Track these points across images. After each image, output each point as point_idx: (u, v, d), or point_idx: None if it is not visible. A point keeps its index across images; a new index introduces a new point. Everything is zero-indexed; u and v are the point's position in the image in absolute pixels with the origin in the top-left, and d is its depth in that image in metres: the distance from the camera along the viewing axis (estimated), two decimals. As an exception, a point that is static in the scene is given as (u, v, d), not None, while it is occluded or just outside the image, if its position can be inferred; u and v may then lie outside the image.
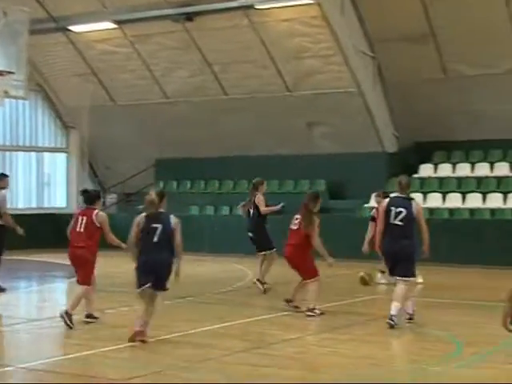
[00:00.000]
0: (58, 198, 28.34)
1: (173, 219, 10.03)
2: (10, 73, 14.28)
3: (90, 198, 11.39)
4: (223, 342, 10.06)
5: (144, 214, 9.99)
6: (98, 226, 11.15)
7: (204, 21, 22.97)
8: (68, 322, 10.85)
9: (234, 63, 23.69)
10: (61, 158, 28.34)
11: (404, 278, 10.95)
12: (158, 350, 9.73)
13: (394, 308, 10.82)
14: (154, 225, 9.90)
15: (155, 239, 9.85)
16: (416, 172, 23.13)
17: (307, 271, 12.26)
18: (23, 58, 14.81)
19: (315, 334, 10.89)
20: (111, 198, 27.80)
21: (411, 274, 11.02)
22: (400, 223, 10.97)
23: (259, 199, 15.43)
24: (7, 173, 26.06)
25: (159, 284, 9.90)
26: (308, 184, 24.13)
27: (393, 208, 11.10)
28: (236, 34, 22.75)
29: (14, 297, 15.56)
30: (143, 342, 9.76)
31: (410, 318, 11.12)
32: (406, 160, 23.42)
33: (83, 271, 11.35)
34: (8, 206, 15.18)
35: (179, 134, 25.66)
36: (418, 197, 22.23)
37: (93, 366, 9.01)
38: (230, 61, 23.68)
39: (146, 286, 9.82)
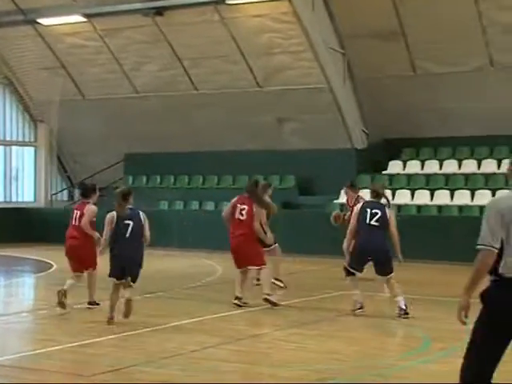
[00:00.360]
0: (26, 192, 28.12)
1: (142, 215, 10.75)
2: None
3: (85, 192, 11.99)
4: (192, 338, 10.06)
5: (115, 213, 10.62)
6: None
7: (174, 15, 22.93)
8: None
9: (204, 58, 23.66)
10: (29, 151, 28.14)
11: (388, 276, 11.52)
12: (126, 345, 9.71)
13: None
14: (126, 222, 10.53)
15: (127, 235, 10.54)
16: (385, 169, 23.26)
17: (259, 259, 12.37)
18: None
19: (283, 330, 10.90)
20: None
21: (392, 269, 11.56)
22: (376, 223, 11.47)
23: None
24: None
25: (132, 276, 10.66)
26: (278, 180, 24.15)
27: (368, 209, 11.57)
28: (206, 28, 22.71)
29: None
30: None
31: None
32: (375, 156, 23.57)
33: (81, 261, 11.78)
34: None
35: (149, 129, 25.58)
36: (388, 194, 22.41)
37: (59, 361, 8.96)
38: (200, 56, 23.65)
39: (122, 280, 10.64)
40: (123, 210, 10.57)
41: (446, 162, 22.84)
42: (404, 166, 23.31)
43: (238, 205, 12.40)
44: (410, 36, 21.56)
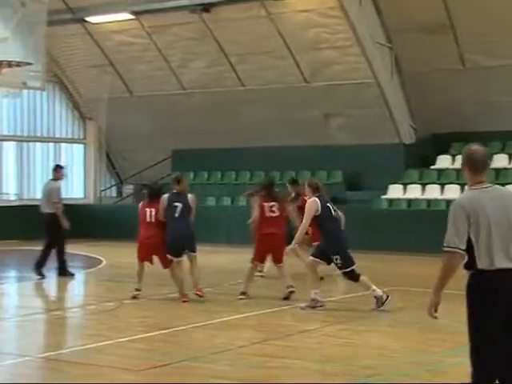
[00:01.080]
0: (76, 188, 28.41)
1: (190, 198, 12.46)
2: (27, 64, 14.31)
3: (153, 193, 12.69)
4: (240, 333, 10.08)
5: (166, 196, 12.35)
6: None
7: (221, 11, 22.95)
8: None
9: (251, 54, 23.66)
10: (78, 148, 28.44)
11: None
12: (175, 340, 9.77)
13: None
14: (175, 203, 12.21)
15: (176, 215, 12.19)
16: (433, 163, 23.04)
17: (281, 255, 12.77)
18: (41, 49, 14.85)
19: (332, 325, 10.88)
20: (128, 189, 27.87)
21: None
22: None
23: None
24: (24, 163, 26.48)
25: (191, 248, 12.40)
26: (325, 175, 24.08)
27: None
28: (253, 24, 22.71)
29: (35, 287, 15.65)
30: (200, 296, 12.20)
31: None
32: (423, 151, 23.36)
33: (161, 257, 12.44)
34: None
35: (196, 125, 25.67)
36: (435, 188, 22.24)
37: (109, 356, 9.04)
38: (246, 52, 23.66)
39: (180, 258, 12.42)
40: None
41: (495, 157, 22.52)
42: (453, 161, 23.00)
43: (265, 203, 12.41)
44: (459, 29, 21.29)
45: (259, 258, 12.93)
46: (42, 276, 15.29)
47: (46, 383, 7.99)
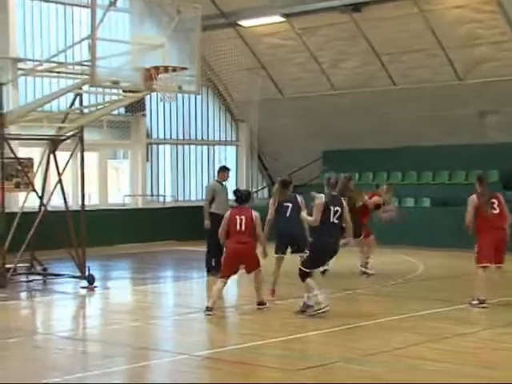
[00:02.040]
0: (229, 190, 28.81)
1: (299, 198, 12.99)
2: (183, 68, 14.63)
3: (244, 198, 12.14)
4: (395, 336, 9.99)
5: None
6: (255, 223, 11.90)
7: (372, 11, 22.80)
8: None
9: (403, 53, 23.39)
10: (231, 150, 28.90)
11: None
12: (329, 341, 9.79)
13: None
14: (286, 204, 12.89)
15: (287, 215, 12.88)
16: None
17: None
18: (196, 54, 15.14)
19: (491, 329, 10.61)
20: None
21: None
22: (337, 221, 11.46)
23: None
24: (179, 166, 27.18)
25: (299, 247, 12.60)
26: (480, 175, 23.43)
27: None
28: (404, 22, 22.44)
29: (188, 286, 16.05)
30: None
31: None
32: None
33: (252, 263, 11.94)
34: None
35: (346, 126, 25.60)
36: None
37: (263, 355, 9.15)
38: (398, 50, 23.41)
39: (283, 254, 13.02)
40: (284, 196, 12.93)
41: None
42: None
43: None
44: None
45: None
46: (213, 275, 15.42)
47: (203, 383, 8.18)
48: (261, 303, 12.08)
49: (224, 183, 17.00)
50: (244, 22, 24.94)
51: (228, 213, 12.08)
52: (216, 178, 17.59)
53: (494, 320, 11.29)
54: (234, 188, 13.58)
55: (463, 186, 22.60)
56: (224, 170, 17.24)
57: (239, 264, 11.99)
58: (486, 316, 11.66)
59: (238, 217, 11.81)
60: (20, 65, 21.48)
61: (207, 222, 16.21)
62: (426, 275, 16.58)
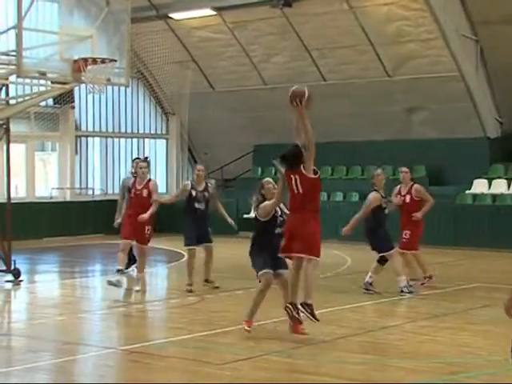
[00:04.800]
0: (159, 183, 28.64)
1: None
2: (112, 61, 14.52)
3: None
4: (321, 328, 10.05)
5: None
6: None
7: (302, 6, 22.94)
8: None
9: (333, 48, 23.59)
10: (161, 144, 28.77)
11: None
12: (257, 335, 9.79)
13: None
14: None
15: None
16: (520, 158, 22.63)
17: None
18: (126, 46, 15.05)
19: (414, 322, 10.79)
20: (210, 184, 28.01)
21: None
22: None
23: None
24: (109, 159, 26.91)
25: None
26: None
27: None
28: (334, 18, 22.63)
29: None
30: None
31: None
32: (509, 145, 22.90)
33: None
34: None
35: (277, 120, 25.65)
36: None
37: (190, 349, 9.15)
38: (328, 46, 23.60)
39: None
40: None
41: None
42: (542, 156, 22.53)
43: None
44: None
45: None
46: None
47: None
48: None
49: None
50: (175, 15, 24.84)
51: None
52: (132, 170, 16.27)
53: (416, 313, 11.45)
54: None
55: (392, 180, 22.85)
56: (142, 160, 16.33)
57: None
58: (409, 309, 11.83)
59: None
60: None
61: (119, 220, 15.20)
62: (353, 269, 16.71)
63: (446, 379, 7.70)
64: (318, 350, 8.95)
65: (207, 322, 10.68)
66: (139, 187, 13.30)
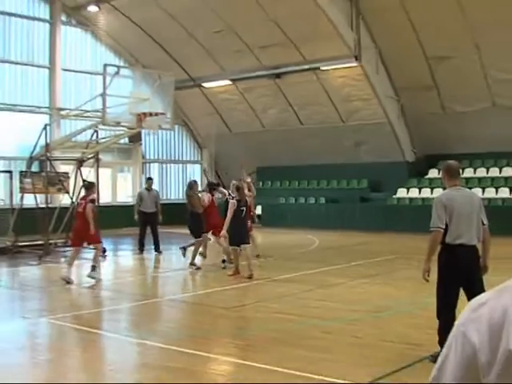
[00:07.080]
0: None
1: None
2: (162, 114, 14.69)
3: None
4: (295, 286, 10.10)
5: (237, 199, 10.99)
6: None
7: (287, 78, 22.98)
8: None
9: (308, 104, 23.61)
10: (197, 167, 28.80)
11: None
12: (249, 290, 9.84)
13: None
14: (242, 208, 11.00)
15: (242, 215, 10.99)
16: (426, 174, 22.57)
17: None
18: (171, 105, 15.22)
19: (357, 280, 10.78)
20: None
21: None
22: None
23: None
24: (163, 178, 26.93)
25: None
26: (356, 182, 23.84)
27: None
28: (308, 85, 22.68)
29: (166, 257, 15.97)
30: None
31: None
32: (420, 167, 22.87)
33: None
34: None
35: (273, 151, 25.77)
36: (427, 191, 21.78)
37: (210, 299, 9.20)
38: (305, 102, 23.62)
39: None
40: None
41: (465, 170, 21.83)
42: (439, 173, 22.32)
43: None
44: (441, 87, 20.84)
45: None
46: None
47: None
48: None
49: (150, 189, 15.28)
50: (206, 84, 24.92)
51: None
52: (145, 186, 15.68)
53: (358, 274, 11.45)
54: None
55: (346, 189, 22.96)
56: (148, 180, 15.57)
57: None
58: (353, 272, 11.76)
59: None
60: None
61: (137, 217, 14.97)
62: (320, 247, 16.75)
63: (374, 315, 7.77)
64: (293, 298, 8.91)
65: (218, 281, 10.61)
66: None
